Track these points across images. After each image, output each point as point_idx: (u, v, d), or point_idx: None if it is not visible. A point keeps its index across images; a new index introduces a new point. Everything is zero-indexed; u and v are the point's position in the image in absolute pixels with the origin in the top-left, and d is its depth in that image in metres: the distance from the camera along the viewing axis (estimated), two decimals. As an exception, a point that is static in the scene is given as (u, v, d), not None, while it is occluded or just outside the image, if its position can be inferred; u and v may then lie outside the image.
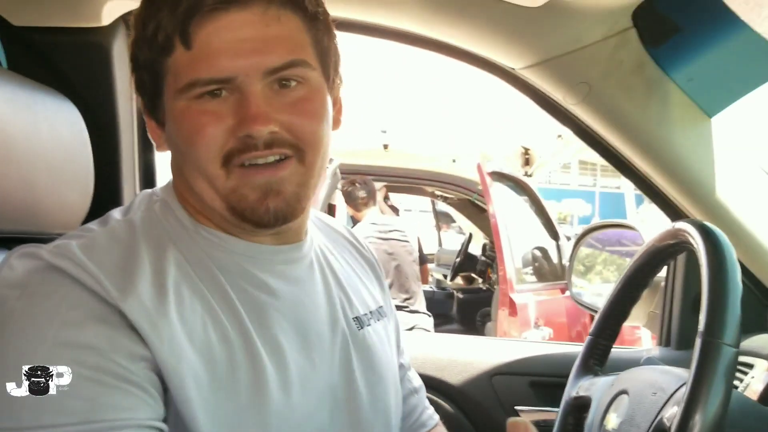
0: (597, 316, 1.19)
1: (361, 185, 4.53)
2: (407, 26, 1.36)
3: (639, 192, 1.51)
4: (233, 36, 0.77)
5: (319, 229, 1.06)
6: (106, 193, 1.33)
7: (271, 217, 0.81)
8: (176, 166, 0.86)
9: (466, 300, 6.32)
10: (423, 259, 5.22)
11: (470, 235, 6.47)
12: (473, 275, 6.38)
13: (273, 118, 0.78)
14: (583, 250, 2.41)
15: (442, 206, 7.56)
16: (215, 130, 0.78)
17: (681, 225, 0.98)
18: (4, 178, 0.93)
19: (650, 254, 1.09)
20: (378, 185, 4.95)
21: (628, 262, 1.15)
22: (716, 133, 1.35)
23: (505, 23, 1.28)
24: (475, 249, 6.33)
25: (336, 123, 0.90)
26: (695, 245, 0.91)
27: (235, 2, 0.77)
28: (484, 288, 6.12)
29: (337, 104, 0.90)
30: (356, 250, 1.13)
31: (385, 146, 5.15)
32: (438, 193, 6.17)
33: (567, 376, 1.20)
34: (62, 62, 1.34)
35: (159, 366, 0.71)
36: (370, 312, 1.02)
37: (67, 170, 1.11)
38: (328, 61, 0.86)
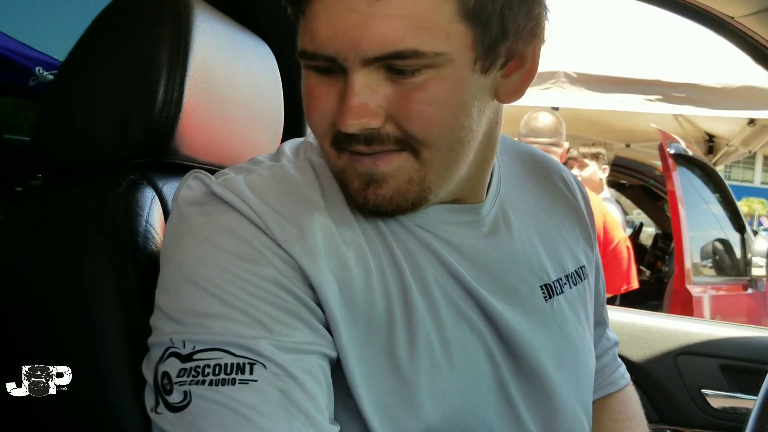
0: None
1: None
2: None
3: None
4: (341, 6, 0.63)
5: (521, 164, 0.95)
6: (290, 137, 1.35)
7: (370, 209, 0.73)
8: None
9: (633, 291, 6.02)
10: None
11: (641, 225, 6.14)
12: (641, 267, 6.03)
13: (372, 111, 0.66)
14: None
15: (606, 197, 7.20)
16: (325, 109, 0.69)
17: None
18: (206, 109, 0.95)
19: None
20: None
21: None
22: None
23: (728, -36, 1.14)
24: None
25: (516, 92, 0.75)
26: None
27: None
28: (652, 281, 5.76)
29: (524, 65, 0.73)
30: (560, 194, 0.98)
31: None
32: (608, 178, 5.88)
33: (765, 362, 1.11)
34: (256, 8, 1.37)
35: (322, 305, 0.69)
36: (566, 276, 0.90)
37: (260, 110, 1.12)
38: (486, 20, 0.65)
